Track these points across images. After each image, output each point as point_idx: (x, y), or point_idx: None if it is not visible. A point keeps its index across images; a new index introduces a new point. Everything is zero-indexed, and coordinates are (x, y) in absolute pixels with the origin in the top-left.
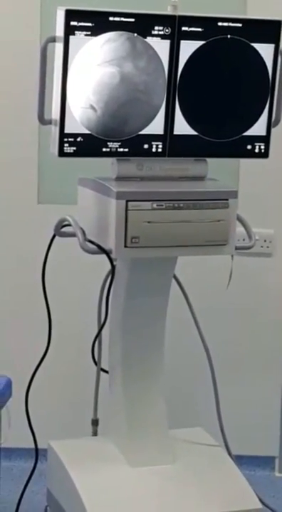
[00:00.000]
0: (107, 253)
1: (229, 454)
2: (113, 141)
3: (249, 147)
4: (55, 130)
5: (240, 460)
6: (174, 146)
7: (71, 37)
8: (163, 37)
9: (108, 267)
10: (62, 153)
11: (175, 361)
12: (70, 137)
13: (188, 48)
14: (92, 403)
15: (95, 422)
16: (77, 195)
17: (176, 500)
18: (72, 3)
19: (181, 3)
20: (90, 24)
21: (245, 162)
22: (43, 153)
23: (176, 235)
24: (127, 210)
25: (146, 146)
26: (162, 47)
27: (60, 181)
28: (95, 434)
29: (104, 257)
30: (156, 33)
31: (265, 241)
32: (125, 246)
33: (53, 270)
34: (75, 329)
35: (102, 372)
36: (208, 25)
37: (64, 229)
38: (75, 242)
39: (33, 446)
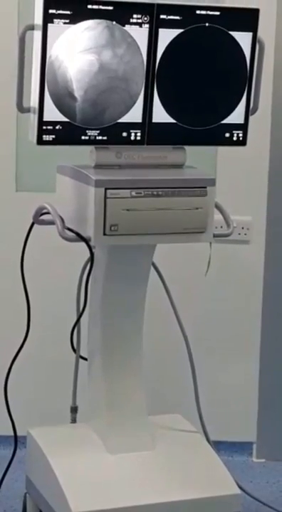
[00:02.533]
0: (86, 241)
1: (208, 440)
2: (92, 129)
3: (227, 135)
4: (33, 118)
5: (218, 446)
6: (153, 134)
7: (50, 25)
8: (141, 25)
9: (87, 255)
10: (41, 141)
11: (154, 348)
12: (49, 125)
13: (166, 36)
14: (71, 390)
15: (74, 410)
16: (55, 183)
17: (155, 486)
18: None
19: None
20: (68, 12)
21: (222, 150)
22: (21, 140)
23: (155, 223)
24: (105, 198)
25: (124, 134)
26: (140, 35)
27: (38, 169)
28: (74, 421)
29: (82, 244)
30: (134, 21)
31: (242, 228)
32: (104, 234)
33: (31, 258)
34: (54, 317)
35: (81, 360)
36: (186, 14)
37: (43, 217)
38: (54, 229)
39: (12, 433)
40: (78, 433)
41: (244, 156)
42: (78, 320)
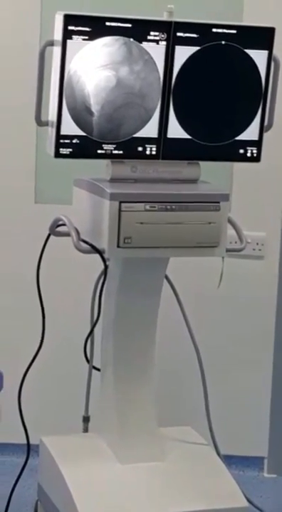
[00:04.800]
0: (101, 253)
1: (218, 453)
2: (108, 144)
3: (241, 151)
4: (51, 131)
5: (229, 460)
6: (168, 149)
7: (69, 41)
8: (158, 42)
9: (101, 266)
10: (58, 155)
11: (166, 360)
12: (66, 139)
13: (183, 54)
14: (83, 400)
15: (86, 419)
16: (72, 196)
17: (164, 496)
18: (71, 8)
19: (178, 10)
20: (87, 29)
21: (238, 165)
22: (40, 154)
23: (168, 236)
24: (120, 211)
25: (140, 148)
26: (157, 52)
27: (56, 181)
28: (86, 430)
29: (97, 256)
30: (152, 38)
31: (257, 244)
32: (118, 246)
33: (47, 268)
34: (68, 327)
35: (94, 370)
36: (203, 32)
37: (59, 228)
38: (70, 241)
39: (25, 442)
40: (90, 443)
41: (260, 172)
42: (92, 331)
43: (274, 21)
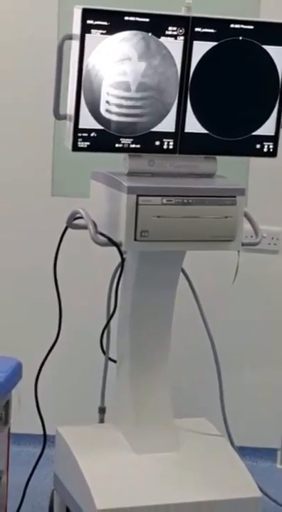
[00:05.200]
0: (118, 246)
1: (232, 444)
2: (126, 137)
3: (258, 146)
4: (69, 125)
5: (243, 451)
6: (185, 143)
7: (87, 35)
8: (176, 37)
9: (118, 259)
10: (76, 148)
11: (181, 353)
12: (84, 132)
13: (200, 49)
14: (99, 391)
15: (102, 410)
16: (89, 189)
17: (178, 486)
18: (89, 2)
19: (195, 5)
20: (105, 23)
21: (254, 160)
22: (57, 147)
23: (185, 230)
24: (137, 204)
25: (157, 142)
26: (175, 47)
27: (73, 175)
28: (101, 421)
29: (114, 249)
30: (170, 33)
31: (272, 238)
32: (135, 239)
33: (64, 260)
34: (85, 319)
35: (110, 362)
36: (220, 27)
37: (76, 221)
38: (87, 234)
39: (41, 432)
40: (105, 433)
41: (276, 166)
42: (108, 323)
43: None
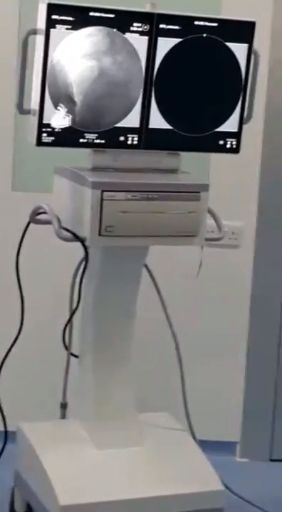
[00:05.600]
0: (82, 241)
1: (194, 438)
2: (90, 133)
3: (221, 142)
4: (33, 120)
5: (203, 445)
6: (149, 139)
7: (52, 30)
8: (141, 33)
9: (80, 254)
10: (40, 143)
11: (144, 347)
12: (49, 127)
13: (165, 45)
14: (61, 387)
15: (63, 406)
16: (50, 184)
17: (142, 481)
18: None
19: (159, 1)
20: (70, 18)
21: (215, 156)
22: (17, 141)
23: (149, 225)
24: (102, 199)
25: (122, 138)
26: (140, 43)
27: (34, 169)
28: (63, 417)
29: (76, 244)
30: (135, 29)
31: (233, 233)
32: (100, 234)
33: (26, 256)
34: (48, 314)
35: (72, 357)
36: (185, 24)
37: (39, 216)
38: (49, 229)
39: (2, 428)
40: (68, 429)
41: (236, 162)
42: (71, 318)
43: (253, 15)
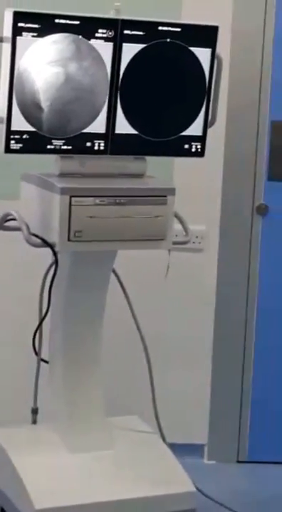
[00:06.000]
0: (52, 246)
1: (164, 440)
2: (57, 139)
3: (186, 146)
4: (2, 127)
5: (171, 447)
6: (116, 144)
7: (18, 37)
8: (106, 39)
9: (47, 260)
10: (8, 150)
11: (113, 352)
12: (17, 134)
13: (130, 51)
14: (32, 393)
15: (34, 411)
16: (17, 191)
17: (114, 483)
18: (18, 5)
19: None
20: (36, 26)
21: (179, 160)
22: None
23: (117, 230)
24: (70, 205)
25: (89, 144)
26: (105, 49)
27: None
28: (34, 422)
29: (44, 250)
30: (100, 35)
31: (197, 237)
32: (69, 240)
33: None
34: (17, 320)
35: (42, 363)
36: (149, 29)
37: (8, 223)
38: (17, 236)
39: None
40: (40, 433)
41: (199, 166)
42: (41, 323)
43: (214, 20)
